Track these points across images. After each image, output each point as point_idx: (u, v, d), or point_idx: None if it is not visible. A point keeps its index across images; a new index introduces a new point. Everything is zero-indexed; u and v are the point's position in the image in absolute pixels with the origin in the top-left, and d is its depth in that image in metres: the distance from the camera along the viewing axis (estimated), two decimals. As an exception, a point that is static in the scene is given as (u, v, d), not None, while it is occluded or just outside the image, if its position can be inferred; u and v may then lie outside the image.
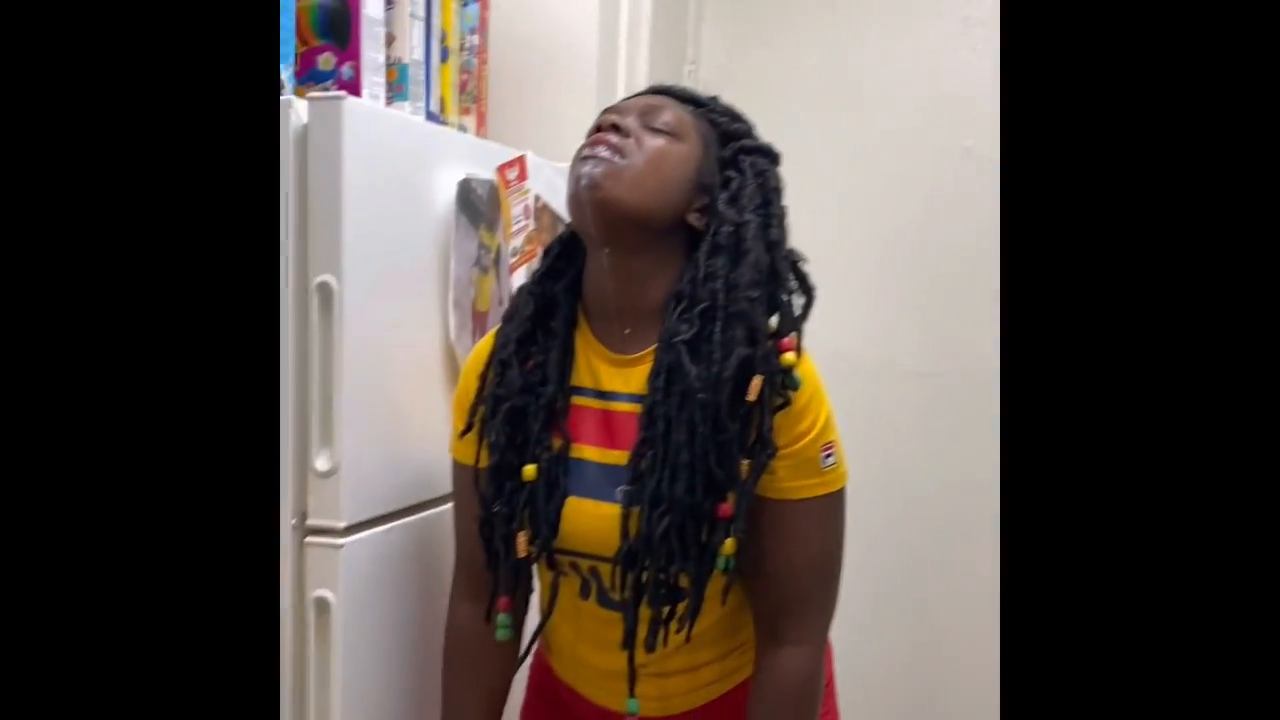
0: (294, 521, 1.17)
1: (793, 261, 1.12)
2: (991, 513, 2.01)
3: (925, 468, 2.12)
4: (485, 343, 1.21)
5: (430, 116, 1.52)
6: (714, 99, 1.18)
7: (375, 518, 1.23)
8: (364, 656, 1.20)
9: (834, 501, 1.11)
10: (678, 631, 1.09)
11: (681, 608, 1.08)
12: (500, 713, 1.24)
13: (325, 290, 1.15)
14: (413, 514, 1.30)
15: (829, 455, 1.09)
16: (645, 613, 1.09)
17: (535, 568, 1.17)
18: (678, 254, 1.11)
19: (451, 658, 1.24)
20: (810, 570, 1.11)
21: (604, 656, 1.17)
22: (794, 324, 1.08)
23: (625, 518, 1.07)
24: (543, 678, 1.31)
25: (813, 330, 1.10)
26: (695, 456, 1.04)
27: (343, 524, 1.17)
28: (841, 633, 1.17)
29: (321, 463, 1.16)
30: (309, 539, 1.17)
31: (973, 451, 2.07)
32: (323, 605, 1.16)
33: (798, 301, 1.10)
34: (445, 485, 1.28)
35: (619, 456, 1.10)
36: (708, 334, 1.05)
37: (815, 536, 1.11)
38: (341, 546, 1.16)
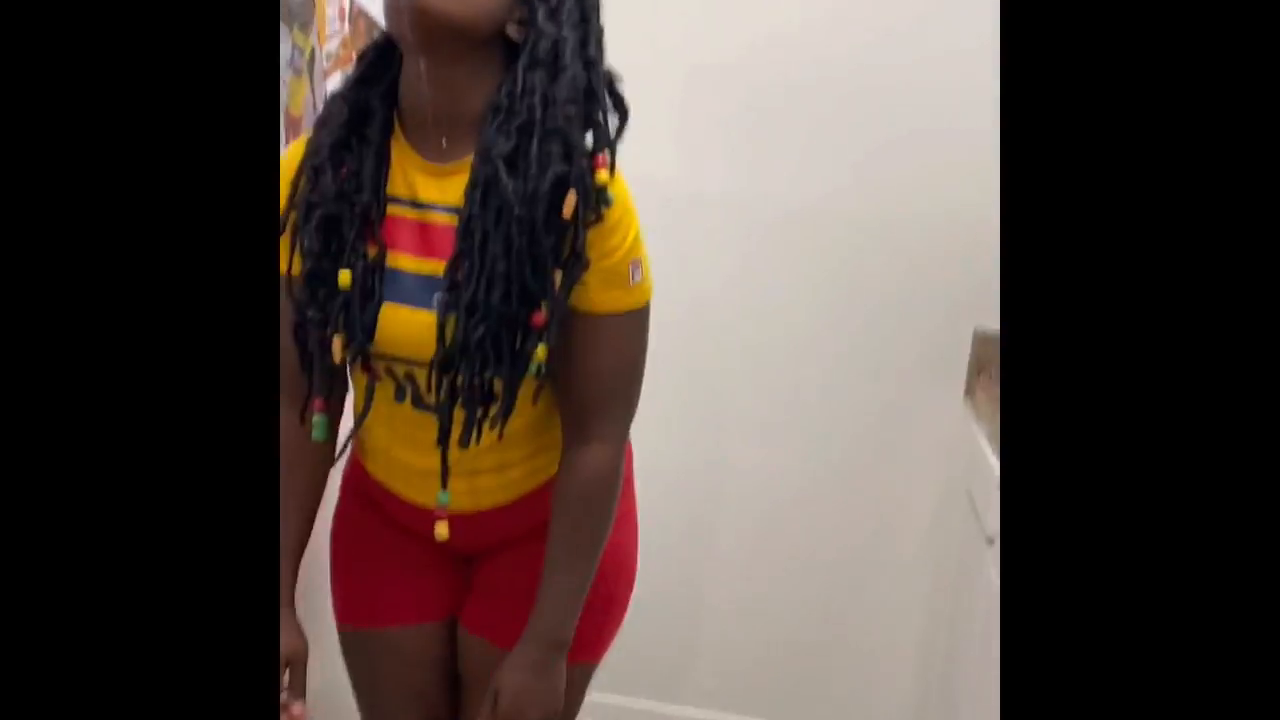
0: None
1: (609, 80, 1.14)
2: (793, 340, 2.18)
3: (727, 297, 2.24)
4: (296, 148, 1.18)
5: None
6: None
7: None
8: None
9: (640, 314, 1.18)
10: (490, 430, 1.15)
11: (494, 409, 1.14)
12: (315, 508, 1.29)
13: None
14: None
15: (636, 270, 1.15)
16: (459, 415, 1.14)
17: (350, 372, 1.20)
18: (496, 65, 1.11)
19: (281, 460, 1.24)
20: (616, 376, 1.19)
21: (417, 456, 1.22)
22: (608, 142, 1.11)
23: (442, 324, 1.10)
24: (356, 479, 1.35)
25: (622, 154, 1.12)
26: (511, 267, 1.07)
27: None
28: (636, 433, 1.27)
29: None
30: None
31: (774, 280, 2.22)
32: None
33: (612, 121, 1.12)
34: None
35: (435, 266, 1.12)
36: (524, 149, 1.07)
37: (621, 345, 1.18)
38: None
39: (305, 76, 1.41)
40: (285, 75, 1.35)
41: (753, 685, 2.32)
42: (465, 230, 1.09)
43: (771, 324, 2.23)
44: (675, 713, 2.35)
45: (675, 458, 2.22)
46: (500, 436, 1.16)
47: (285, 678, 1.25)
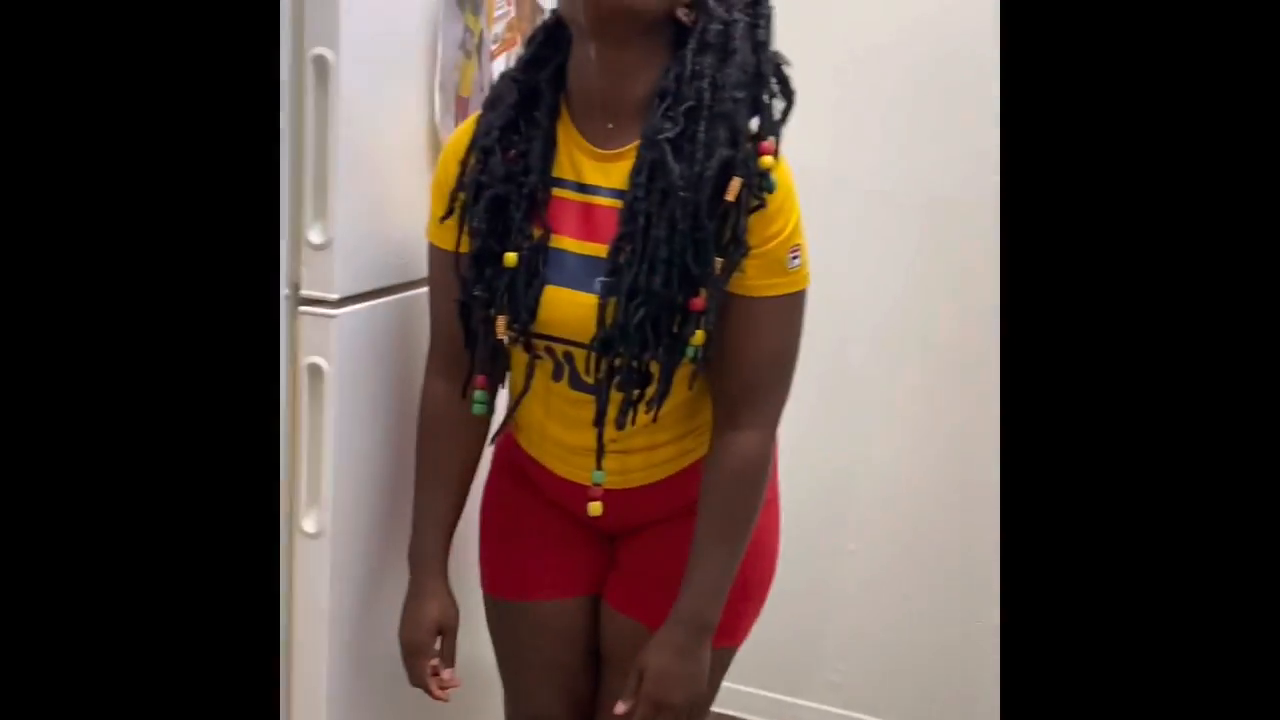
0: (287, 292, 1.20)
1: (776, 64, 1.13)
2: (938, 333, 2.13)
3: (874, 283, 2.20)
4: (465, 129, 1.21)
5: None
6: None
7: (366, 292, 1.27)
8: (354, 421, 1.27)
9: (796, 301, 1.17)
10: (646, 413, 1.16)
11: (650, 391, 1.15)
12: (469, 483, 1.32)
13: (321, 64, 1.15)
14: (400, 292, 1.34)
15: (795, 257, 1.15)
16: (615, 396, 1.16)
17: (510, 351, 1.22)
18: (665, 49, 1.12)
19: (427, 431, 1.30)
20: (769, 362, 1.18)
21: (571, 434, 1.24)
22: (774, 128, 1.11)
23: (603, 307, 1.12)
24: (509, 452, 1.38)
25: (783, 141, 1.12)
26: (673, 252, 1.08)
27: (336, 296, 1.21)
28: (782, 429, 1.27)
29: (315, 235, 1.19)
30: (302, 309, 1.21)
31: (918, 270, 2.17)
32: (316, 372, 1.21)
33: (778, 105, 1.12)
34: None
35: (598, 249, 1.14)
36: (691, 133, 1.08)
37: (776, 332, 1.18)
38: (335, 317, 1.21)
39: (474, 58, 1.44)
40: (456, 56, 1.39)
41: (879, 684, 2.28)
42: (629, 213, 1.10)
43: (915, 317, 2.18)
44: (800, 706, 2.34)
45: (814, 449, 2.20)
46: (655, 419, 1.17)
47: (438, 644, 1.29)
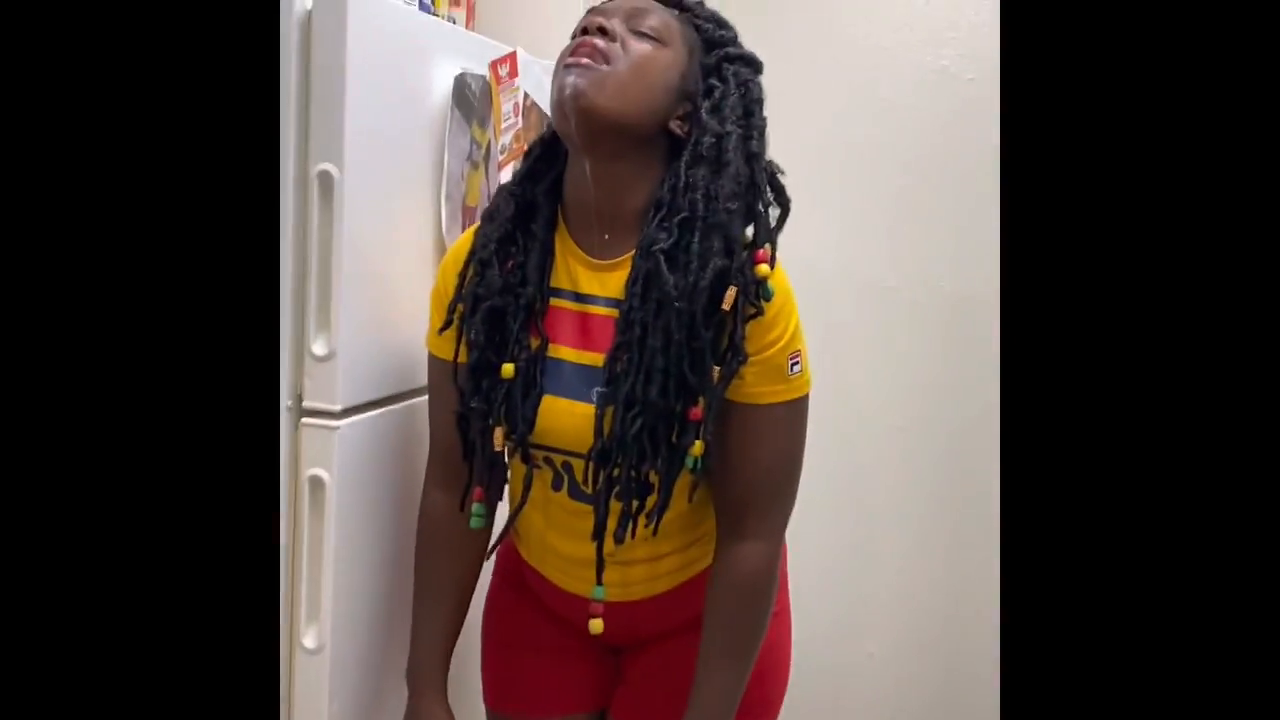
0: (289, 404, 1.20)
1: (771, 174, 1.14)
2: (941, 422, 2.11)
3: (880, 379, 2.19)
4: (463, 241, 1.22)
5: (422, 6, 1.52)
6: (699, 3, 1.19)
7: (369, 402, 1.27)
8: (355, 532, 1.25)
9: (798, 406, 1.16)
10: (645, 526, 1.14)
11: (650, 502, 1.13)
12: (469, 597, 1.30)
13: (326, 179, 1.17)
14: (403, 400, 1.34)
15: (795, 363, 1.14)
16: (615, 506, 1.14)
17: (509, 460, 1.21)
18: (659, 161, 1.13)
19: (425, 544, 1.28)
20: (772, 470, 1.17)
21: (572, 545, 1.22)
22: (769, 236, 1.11)
23: (600, 417, 1.11)
24: (510, 563, 1.36)
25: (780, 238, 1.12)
26: (670, 362, 1.07)
27: (339, 407, 1.21)
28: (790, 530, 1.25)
29: (319, 347, 1.19)
30: (305, 420, 1.21)
31: (926, 362, 2.16)
32: (317, 484, 1.20)
33: (773, 214, 1.13)
34: (432, 375, 1.32)
35: (594, 358, 1.13)
36: (685, 244, 1.08)
37: (778, 439, 1.16)
38: (337, 429, 1.20)
39: (481, 168, 1.46)
40: (463, 168, 1.41)
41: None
42: (625, 323, 1.10)
43: (923, 407, 2.16)
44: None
45: (824, 549, 2.16)
46: (655, 532, 1.15)
47: None
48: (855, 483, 2.20)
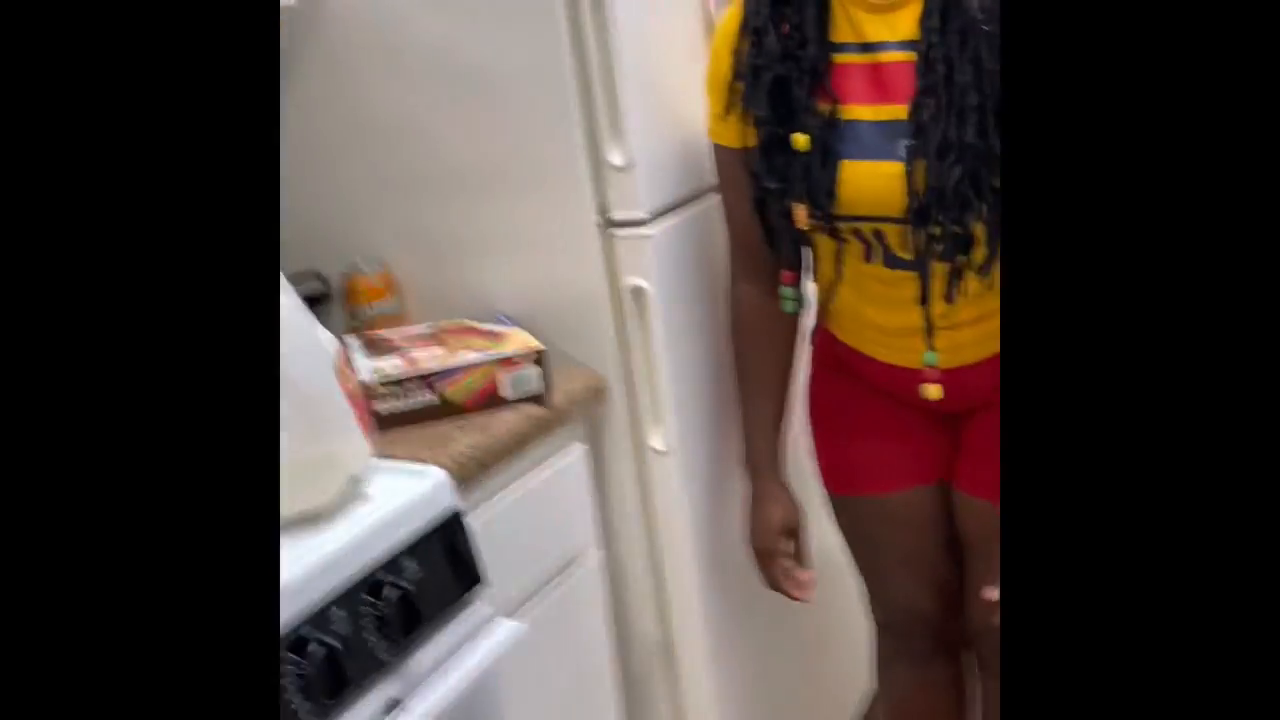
0: (598, 219, 1.21)
1: None
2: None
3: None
4: (731, 15, 1.16)
5: None
6: None
7: (672, 204, 1.26)
8: (680, 335, 1.27)
9: None
10: (981, 278, 1.08)
11: (978, 256, 1.07)
12: (790, 381, 1.30)
13: (594, -15, 1.13)
14: (703, 198, 1.32)
15: None
16: (939, 268, 1.08)
17: (814, 237, 1.17)
18: None
19: (741, 336, 1.28)
20: None
21: (890, 315, 1.18)
22: None
23: (910, 173, 1.05)
24: (827, 346, 1.33)
25: None
26: (984, 97, 0.99)
27: (646, 214, 1.20)
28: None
29: (616, 157, 1.18)
30: (615, 232, 1.22)
31: None
32: (639, 293, 1.21)
33: None
34: (725, 169, 1.29)
35: (895, 111, 1.06)
36: None
37: None
38: (650, 236, 1.21)
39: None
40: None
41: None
42: (926, 63, 1.02)
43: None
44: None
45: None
46: (988, 285, 1.09)
47: (790, 545, 1.28)
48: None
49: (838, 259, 1.16)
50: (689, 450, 1.29)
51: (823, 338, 1.34)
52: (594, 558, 1.28)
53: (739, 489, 1.31)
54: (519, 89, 1.21)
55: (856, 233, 1.14)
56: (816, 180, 1.10)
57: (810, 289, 1.26)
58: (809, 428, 1.38)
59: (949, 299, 1.10)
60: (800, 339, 1.30)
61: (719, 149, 1.21)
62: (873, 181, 1.09)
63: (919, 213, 1.06)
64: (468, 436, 1.10)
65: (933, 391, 1.17)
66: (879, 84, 1.08)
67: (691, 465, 1.31)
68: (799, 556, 1.29)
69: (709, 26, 1.32)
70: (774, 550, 1.28)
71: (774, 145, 1.11)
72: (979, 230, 1.06)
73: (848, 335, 1.28)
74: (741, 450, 1.30)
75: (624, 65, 1.16)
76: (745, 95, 1.12)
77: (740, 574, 1.32)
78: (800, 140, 1.09)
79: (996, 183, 1.03)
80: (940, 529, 1.34)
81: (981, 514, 1.27)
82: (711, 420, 1.35)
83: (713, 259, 1.33)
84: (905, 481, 1.32)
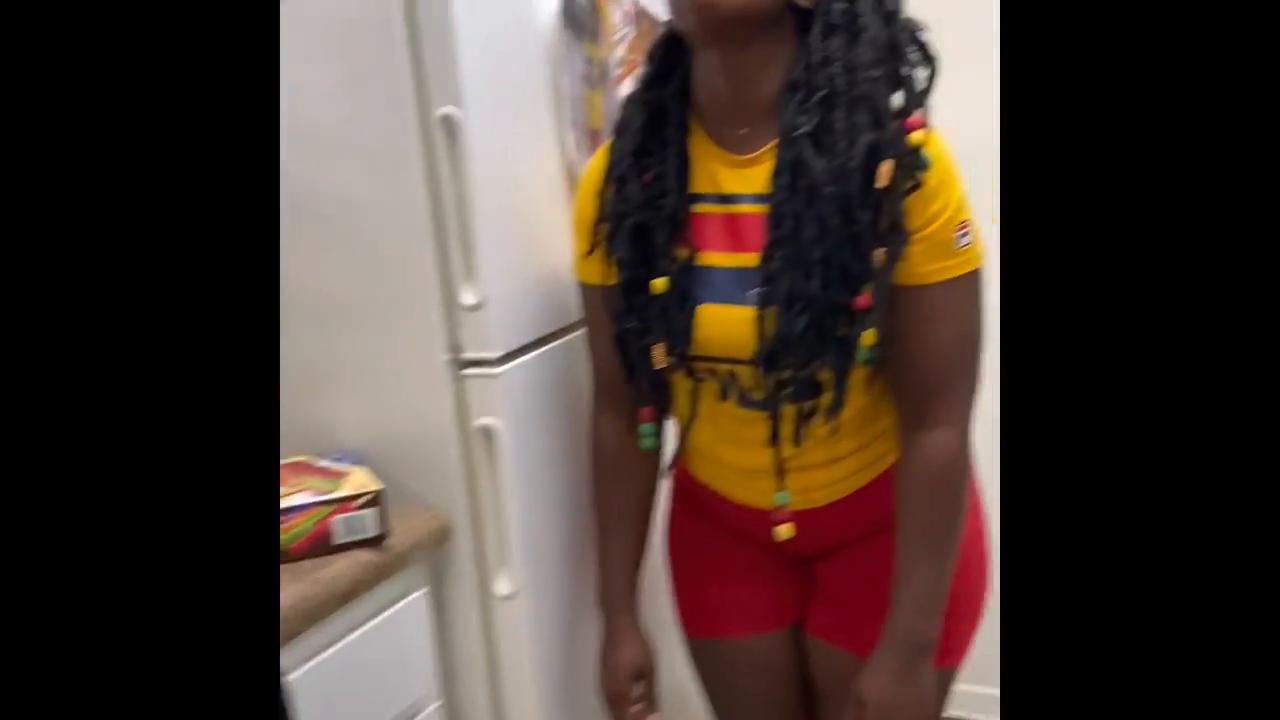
0: (447, 357, 1.19)
1: (912, 32, 1.05)
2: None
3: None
4: (597, 159, 1.18)
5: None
6: None
7: (525, 345, 1.25)
8: (531, 474, 1.25)
9: (971, 281, 1.08)
10: (824, 424, 1.10)
11: (825, 401, 1.08)
12: (650, 520, 1.29)
13: (449, 123, 1.13)
14: (560, 337, 1.31)
15: (964, 234, 1.06)
16: (788, 410, 1.10)
17: (673, 376, 1.18)
18: (788, 41, 1.06)
19: (600, 471, 1.27)
20: (951, 352, 1.10)
21: (744, 455, 1.18)
22: (919, 100, 1.03)
23: (761, 319, 1.07)
24: (685, 485, 1.33)
25: (933, 107, 1.05)
26: (829, 252, 1.02)
27: (497, 354, 1.19)
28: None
29: (469, 296, 1.17)
30: (465, 372, 1.20)
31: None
32: (488, 433, 1.19)
33: (920, 75, 1.04)
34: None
35: (748, 259, 1.09)
36: (829, 123, 1.01)
37: (954, 318, 1.09)
38: (498, 375, 1.19)
39: (600, 88, 1.40)
40: (581, 90, 1.35)
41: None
42: (775, 217, 1.05)
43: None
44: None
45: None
46: (834, 430, 1.10)
47: (638, 689, 1.25)
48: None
49: (694, 397, 1.17)
50: (538, 593, 1.26)
51: (681, 476, 1.34)
52: (433, 709, 1.22)
53: (596, 630, 1.28)
54: (372, 224, 1.19)
55: (712, 372, 1.15)
56: (674, 321, 1.11)
57: (673, 430, 1.26)
58: (667, 567, 1.37)
59: (796, 441, 1.11)
60: (662, 476, 1.29)
61: (584, 287, 1.22)
62: (726, 325, 1.10)
63: (768, 357, 1.07)
64: (296, 586, 1.05)
65: (784, 531, 1.17)
66: (735, 233, 1.11)
67: (541, 608, 1.27)
68: (649, 699, 1.26)
69: (569, 172, 1.33)
70: (623, 693, 1.24)
71: (634, 287, 1.12)
72: (826, 376, 1.08)
73: (704, 474, 1.27)
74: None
75: (480, 205, 1.16)
76: (608, 238, 1.13)
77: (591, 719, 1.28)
78: (659, 284, 1.10)
79: (843, 333, 1.05)
80: (794, 674, 1.33)
81: (835, 660, 1.26)
82: (566, 562, 1.32)
83: (569, 399, 1.32)
84: (763, 625, 1.31)
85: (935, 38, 1.05)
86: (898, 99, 1.03)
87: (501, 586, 1.22)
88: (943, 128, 1.05)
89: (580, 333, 1.31)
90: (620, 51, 1.44)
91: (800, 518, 1.19)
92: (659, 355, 1.12)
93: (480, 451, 1.21)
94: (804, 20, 1.05)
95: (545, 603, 1.28)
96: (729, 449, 1.21)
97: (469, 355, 1.20)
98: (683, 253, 1.11)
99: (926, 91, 1.04)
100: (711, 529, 1.31)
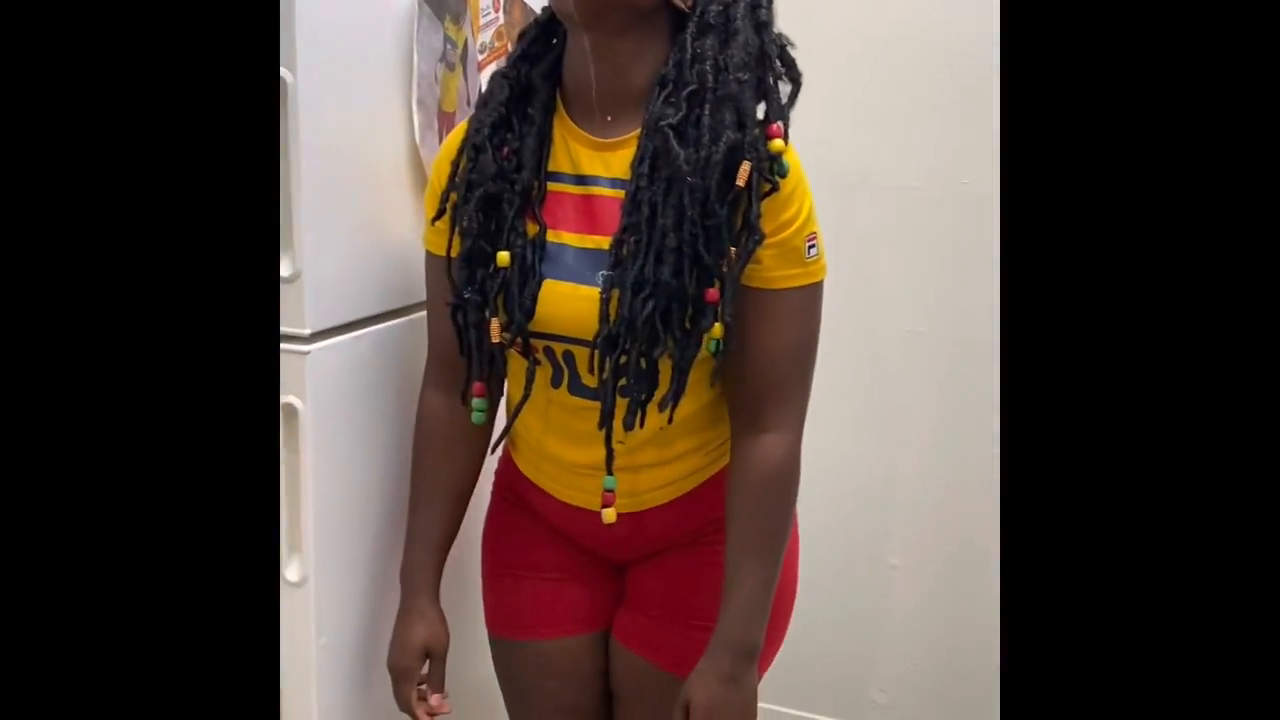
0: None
1: (781, 46, 1.09)
2: (961, 330, 2.02)
3: (905, 283, 2.09)
4: (458, 132, 1.17)
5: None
6: None
7: (343, 324, 1.20)
8: (335, 460, 1.20)
9: (814, 292, 1.12)
10: (660, 412, 1.10)
11: (661, 393, 1.09)
12: (466, 500, 1.27)
13: (280, 85, 1.08)
14: (385, 321, 1.27)
15: (812, 246, 1.10)
16: (621, 401, 1.10)
17: (508, 357, 1.16)
18: (662, 36, 1.08)
19: (423, 444, 1.25)
20: (790, 358, 1.12)
21: (571, 449, 1.18)
22: (781, 112, 1.07)
23: (605, 301, 1.07)
24: (508, 477, 1.32)
25: (793, 134, 1.08)
26: (683, 241, 1.03)
27: (308, 331, 1.14)
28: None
29: (283, 267, 1.12)
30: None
31: (941, 265, 2.05)
32: (290, 412, 1.14)
33: (784, 89, 1.08)
34: (418, 293, 1.25)
35: (599, 241, 1.09)
36: (695, 118, 1.04)
37: (796, 326, 1.12)
38: (307, 354, 1.14)
39: (459, 70, 1.37)
40: (436, 69, 1.31)
41: (927, 704, 2.18)
42: (633, 203, 1.06)
43: (946, 312, 2.06)
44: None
45: (845, 457, 2.09)
46: (670, 420, 1.11)
47: (425, 668, 1.24)
48: (878, 386, 2.12)
49: (528, 379, 1.15)
50: (331, 580, 1.21)
51: (505, 469, 1.32)
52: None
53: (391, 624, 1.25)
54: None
55: (549, 352, 1.14)
56: (514, 296, 1.10)
57: (501, 416, 1.24)
58: (480, 561, 1.34)
59: (628, 427, 1.10)
60: (486, 455, 1.27)
61: (428, 256, 1.20)
62: (570, 303, 1.10)
63: (609, 339, 1.07)
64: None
65: (608, 515, 1.16)
66: (589, 215, 1.11)
67: (336, 595, 1.23)
68: (435, 681, 1.24)
69: (413, 156, 1.30)
70: (409, 670, 1.23)
71: (477, 258, 1.11)
72: (665, 365, 1.07)
73: (527, 467, 1.26)
74: (396, 591, 1.25)
75: (303, 174, 1.11)
76: (456, 206, 1.12)
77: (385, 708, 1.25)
78: (503, 257, 1.10)
79: (688, 323, 1.06)
80: (597, 681, 1.32)
81: (632, 668, 1.26)
82: (370, 550, 1.28)
83: (394, 384, 1.28)
84: (567, 629, 1.30)
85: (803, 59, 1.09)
86: (761, 108, 1.06)
87: (291, 573, 1.18)
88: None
89: (415, 317, 1.28)
90: (486, 36, 1.41)
91: (622, 520, 1.18)
92: (495, 329, 1.11)
93: (283, 430, 1.16)
94: (679, 22, 1.08)
95: (342, 588, 1.24)
96: (556, 443, 1.19)
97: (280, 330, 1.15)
98: (532, 228, 1.11)
99: (790, 104, 1.08)
100: (529, 527, 1.29)
